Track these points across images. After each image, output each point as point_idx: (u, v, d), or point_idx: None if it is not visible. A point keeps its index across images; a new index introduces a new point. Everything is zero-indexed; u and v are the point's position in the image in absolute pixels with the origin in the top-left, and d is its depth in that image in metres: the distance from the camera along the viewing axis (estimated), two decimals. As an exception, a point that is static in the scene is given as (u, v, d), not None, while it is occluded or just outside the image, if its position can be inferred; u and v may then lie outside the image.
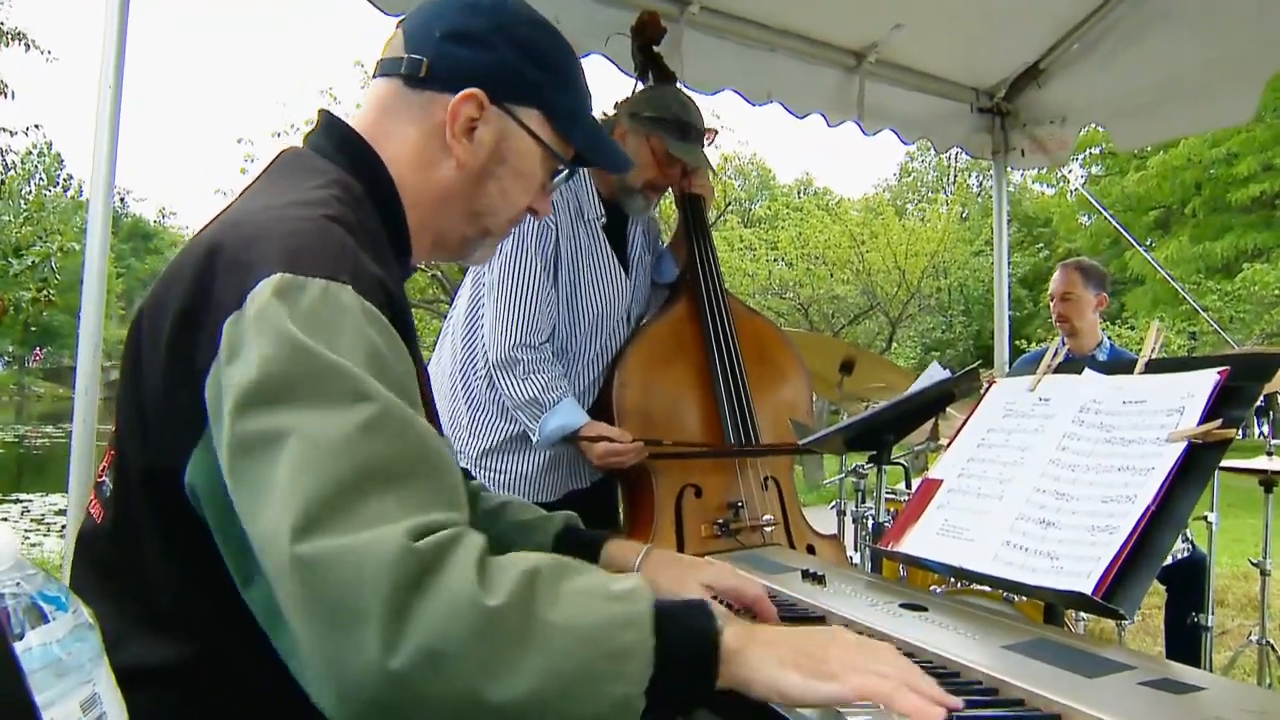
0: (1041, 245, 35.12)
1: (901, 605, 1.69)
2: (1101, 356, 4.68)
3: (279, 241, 1.19)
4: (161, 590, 1.26)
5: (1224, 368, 1.57)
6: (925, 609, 1.67)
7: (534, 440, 3.06)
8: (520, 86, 1.49)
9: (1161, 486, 1.50)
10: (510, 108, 1.49)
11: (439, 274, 15.51)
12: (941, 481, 1.93)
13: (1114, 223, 6.54)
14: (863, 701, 1.13)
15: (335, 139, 1.49)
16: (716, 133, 3.53)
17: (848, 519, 4.82)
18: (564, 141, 1.57)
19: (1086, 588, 1.45)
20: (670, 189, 3.42)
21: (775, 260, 22.51)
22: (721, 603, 1.61)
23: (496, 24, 1.48)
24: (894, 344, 23.28)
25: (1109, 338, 4.93)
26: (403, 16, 1.56)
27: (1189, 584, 4.01)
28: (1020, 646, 1.41)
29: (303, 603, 1.00)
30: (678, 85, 3.51)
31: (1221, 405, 1.55)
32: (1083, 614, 3.79)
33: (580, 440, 3.04)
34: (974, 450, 1.93)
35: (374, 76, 1.53)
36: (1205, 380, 1.58)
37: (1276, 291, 23.08)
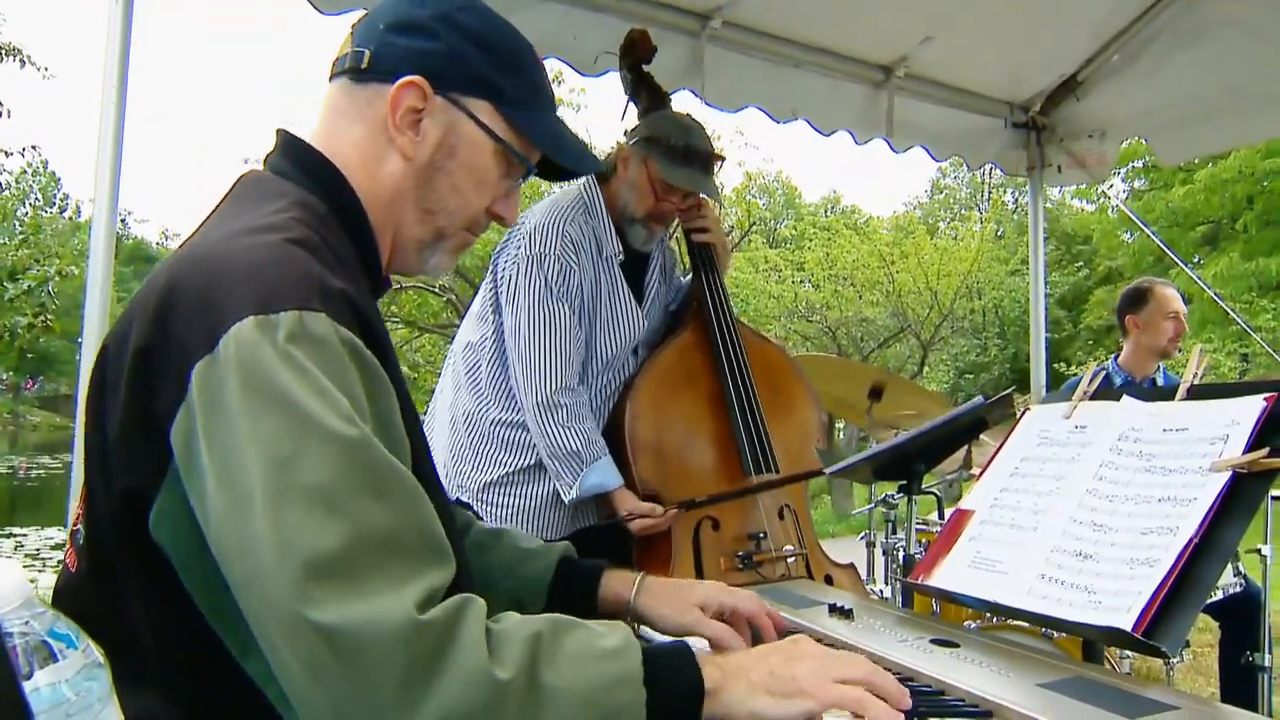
0: (1081, 264, 34.67)
1: (932, 641, 1.62)
2: (1161, 380, 4.54)
3: (245, 278, 1.16)
4: (144, 642, 1.22)
5: (1271, 394, 1.47)
6: (957, 645, 1.60)
7: (567, 496, 2.98)
8: (466, 75, 1.44)
9: (1205, 518, 1.41)
10: (456, 98, 1.44)
11: (453, 298, 15.47)
12: (974, 512, 1.85)
13: (1155, 239, 6.40)
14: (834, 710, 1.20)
15: (293, 158, 1.45)
16: (724, 159, 3.44)
17: (877, 550, 4.70)
18: (519, 135, 1.49)
19: (1127, 624, 1.36)
20: (685, 237, 3.35)
21: (802, 282, 22.27)
22: (722, 617, 1.63)
23: (440, 12, 1.44)
24: (926, 368, 22.94)
25: (1162, 364, 4.79)
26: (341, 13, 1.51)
27: (1244, 621, 3.84)
28: (1058, 685, 1.35)
29: (315, 668, 1.01)
30: (675, 107, 3.42)
31: (1269, 433, 1.45)
32: (1128, 652, 3.66)
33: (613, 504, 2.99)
34: (1007, 480, 1.84)
35: (329, 80, 1.49)
36: (1251, 407, 1.49)
37: (1337, 311, 22.47)
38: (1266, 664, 3.58)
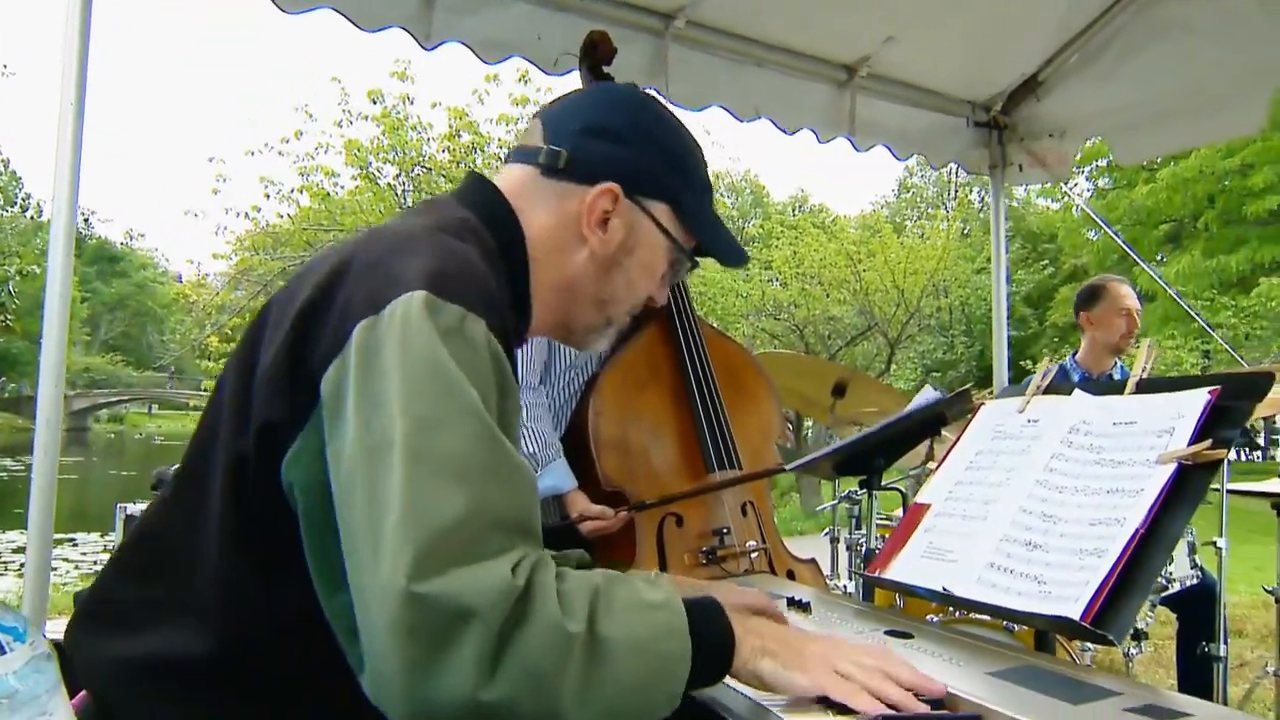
0: (1046, 262, 34.99)
1: (887, 632, 1.64)
2: (1118, 375, 4.59)
3: (426, 260, 1.25)
4: (202, 570, 1.30)
5: (1215, 387, 1.51)
6: (911, 635, 1.62)
7: None
8: (652, 182, 1.55)
9: (1151, 509, 1.43)
10: (642, 201, 1.54)
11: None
12: (929, 506, 1.87)
13: (1117, 238, 6.47)
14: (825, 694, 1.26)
15: (481, 196, 1.54)
16: None
17: (841, 546, 4.72)
18: (688, 234, 1.60)
19: (1074, 613, 1.39)
20: None
21: (769, 280, 22.31)
22: None
23: (634, 122, 1.55)
24: (893, 365, 23.07)
25: (1120, 360, 4.83)
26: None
27: (1200, 612, 3.90)
28: (1006, 673, 1.38)
29: (403, 630, 1.04)
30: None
31: (1213, 425, 1.48)
32: (1089, 644, 3.71)
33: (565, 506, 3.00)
34: (962, 473, 1.87)
35: (507, 161, 1.59)
36: (1196, 400, 1.51)
37: (1295, 308, 22.71)
38: (1222, 654, 3.63)
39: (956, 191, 40.99)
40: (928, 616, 3.21)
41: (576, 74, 3.65)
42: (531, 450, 2.93)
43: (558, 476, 2.95)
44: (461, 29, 3.71)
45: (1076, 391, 1.77)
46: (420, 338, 1.16)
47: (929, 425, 2.57)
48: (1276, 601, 4.06)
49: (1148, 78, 4.45)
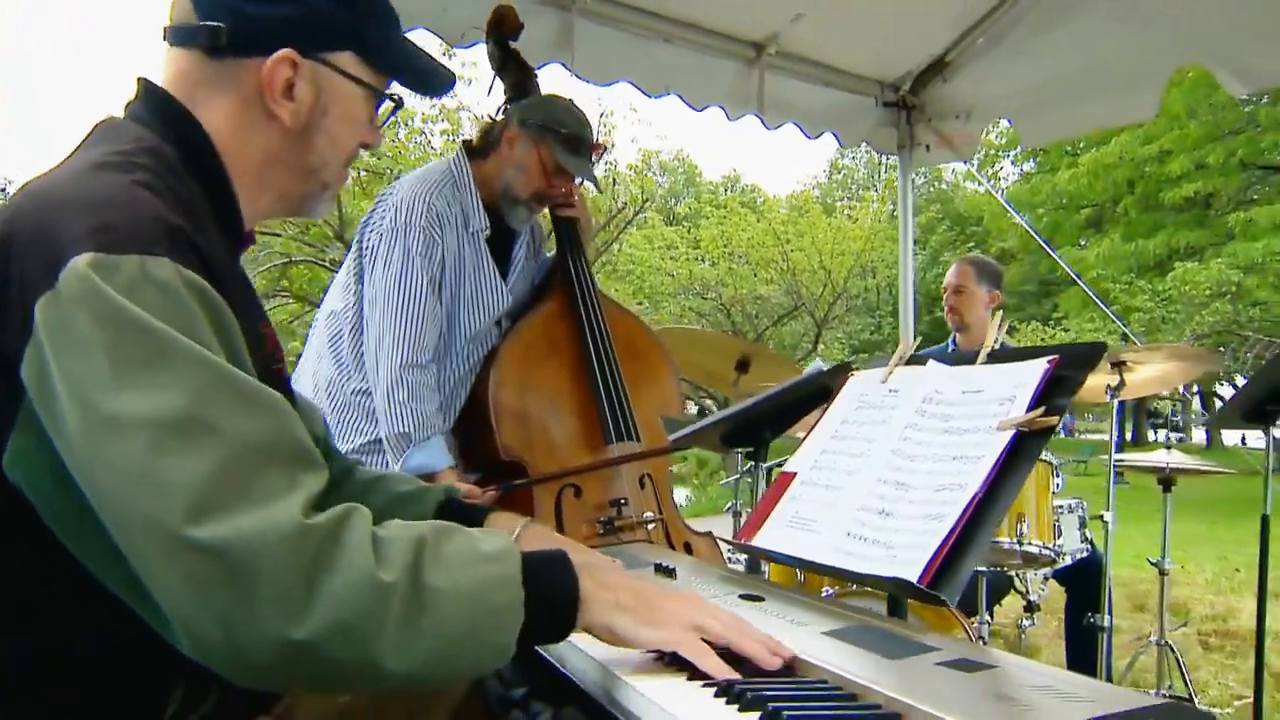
0: (974, 244, 35.46)
1: (740, 596, 1.67)
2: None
3: (85, 214, 1.15)
4: None
5: (1053, 357, 1.55)
6: (762, 599, 1.65)
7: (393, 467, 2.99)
8: (329, 32, 1.46)
9: (989, 474, 1.48)
10: (323, 57, 1.45)
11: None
12: (795, 474, 1.90)
13: (1026, 226, 6.60)
14: (677, 651, 1.27)
15: (152, 106, 1.43)
16: (605, 149, 3.48)
17: (742, 519, 4.75)
18: (380, 75, 1.53)
19: (912, 575, 1.43)
20: (550, 212, 3.38)
21: (698, 259, 22.37)
22: None
23: None
24: (820, 345, 23.31)
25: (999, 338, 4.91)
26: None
27: (1087, 585, 4.02)
28: (840, 632, 1.41)
29: (199, 584, 1.03)
30: (544, 80, 3.43)
31: (1050, 393, 1.53)
32: (986, 618, 3.81)
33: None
34: (827, 442, 1.91)
35: (166, 43, 1.45)
36: (1036, 369, 1.56)
37: (1208, 291, 23.08)
38: (1105, 625, 3.75)
39: (885, 173, 41.35)
40: (824, 589, 3.29)
41: (483, 48, 3.67)
42: (405, 429, 2.91)
43: (430, 454, 2.93)
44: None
45: (931, 362, 1.81)
46: (105, 303, 1.09)
47: (814, 398, 2.60)
48: (1160, 574, 4.18)
49: (1052, 60, 4.54)
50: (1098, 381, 3.83)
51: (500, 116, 3.27)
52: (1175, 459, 4.05)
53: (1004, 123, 5.73)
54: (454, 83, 1.69)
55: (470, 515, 1.78)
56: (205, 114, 1.42)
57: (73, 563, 1.17)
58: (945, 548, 1.44)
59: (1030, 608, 4.11)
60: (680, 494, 27.58)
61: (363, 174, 14.18)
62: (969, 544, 1.44)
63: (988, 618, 3.93)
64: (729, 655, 1.28)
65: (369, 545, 1.12)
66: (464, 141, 3.28)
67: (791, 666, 1.28)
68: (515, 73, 3.36)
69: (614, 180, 16.79)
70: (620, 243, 19.26)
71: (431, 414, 2.94)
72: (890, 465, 1.68)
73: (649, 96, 4.38)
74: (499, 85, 3.38)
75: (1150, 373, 3.91)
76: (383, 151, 14.13)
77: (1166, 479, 4.08)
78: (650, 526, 3.16)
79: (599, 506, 3.12)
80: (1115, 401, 3.78)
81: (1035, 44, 4.56)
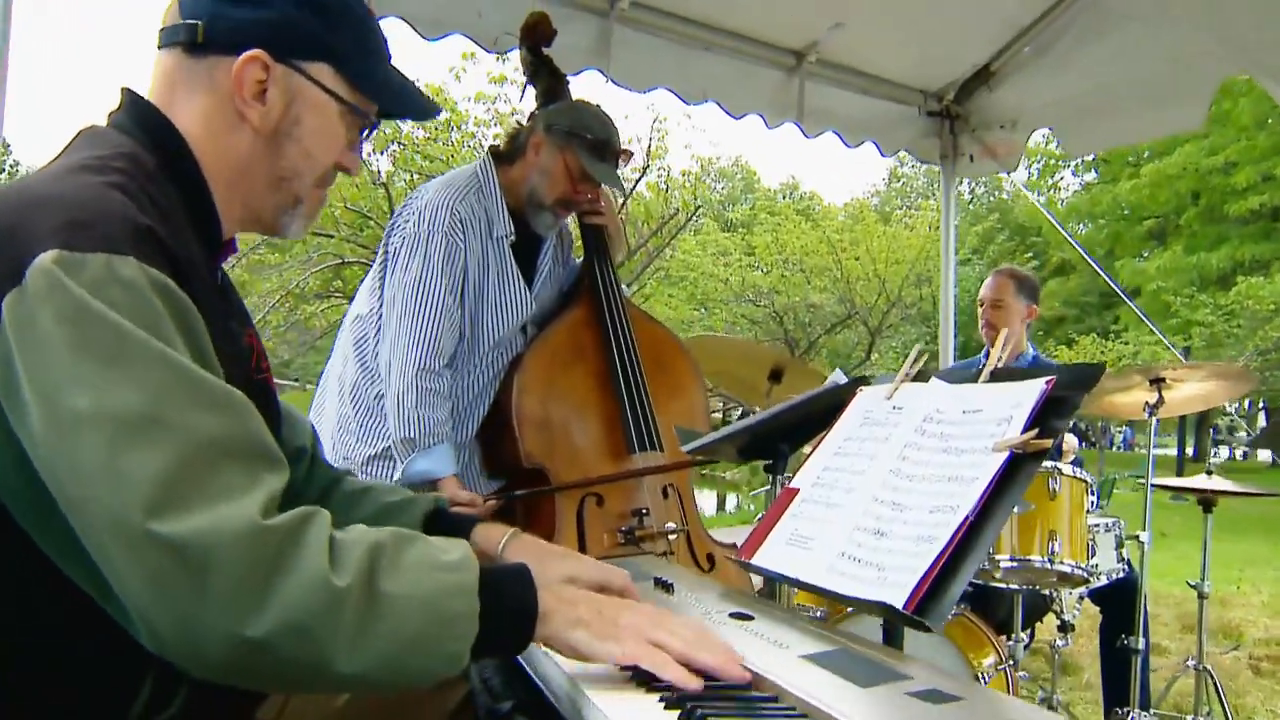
0: (1033, 255, 35.03)
1: (730, 615, 1.64)
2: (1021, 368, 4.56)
3: (55, 212, 1.17)
4: None
5: (1051, 378, 1.52)
6: (752, 618, 1.62)
7: (396, 474, 3.01)
8: (303, 40, 1.45)
9: (982, 496, 1.44)
10: (297, 64, 1.45)
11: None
12: (798, 490, 1.87)
13: (1073, 242, 6.51)
14: (636, 664, 1.28)
15: (134, 114, 1.44)
16: (631, 155, 3.47)
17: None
18: (360, 93, 1.52)
19: (898, 600, 1.39)
20: (578, 217, 3.38)
21: (752, 267, 22.27)
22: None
23: None
24: (874, 354, 23.13)
25: (1035, 349, 4.78)
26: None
27: (1123, 605, 3.93)
28: (818, 656, 1.39)
29: (158, 578, 1.06)
30: (581, 86, 3.44)
31: (1046, 414, 1.49)
32: (1022, 637, 3.75)
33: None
34: (830, 459, 1.87)
35: (158, 49, 1.47)
36: (1033, 390, 1.53)
37: (1272, 306, 22.59)
38: (1139, 647, 3.66)
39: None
40: (818, 610, 3.27)
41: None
42: (411, 434, 2.91)
43: (434, 461, 2.94)
44: (401, 5, 3.71)
45: (933, 379, 1.78)
46: (68, 300, 1.10)
47: (831, 410, 2.57)
48: (1199, 596, 4.08)
49: (1097, 70, 4.48)
50: (1136, 399, 3.75)
51: (527, 122, 3.27)
52: (1215, 482, 3.95)
53: (1042, 133, 5.62)
54: (437, 113, 1.69)
55: (457, 526, 1.77)
56: (182, 113, 1.43)
57: (38, 554, 1.19)
58: (933, 572, 1.40)
59: (1064, 628, 4.02)
60: (731, 500, 27.52)
61: (415, 176, 14.32)
62: (958, 568, 1.40)
63: (1024, 636, 3.87)
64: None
65: (325, 548, 1.13)
66: (491, 147, 3.28)
67: (752, 684, 1.28)
68: (547, 79, 3.36)
69: (667, 186, 16.81)
70: (673, 248, 19.26)
71: (439, 422, 2.94)
72: (888, 485, 1.65)
73: (687, 103, 4.38)
74: (531, 92, 3.39)
75: (1192, 390, 3.83)
76: (435, 155, 14.26)
77: (1207, 500, 3.98)
78: (672, 537, 3.14)
79: (621, 516, 3.11)
80: (1153, 419, 3.70)
81: (1082, 53, 4.50)
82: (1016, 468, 1.46)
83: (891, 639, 1.67)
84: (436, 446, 2.93)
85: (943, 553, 1.41)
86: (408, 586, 1.17)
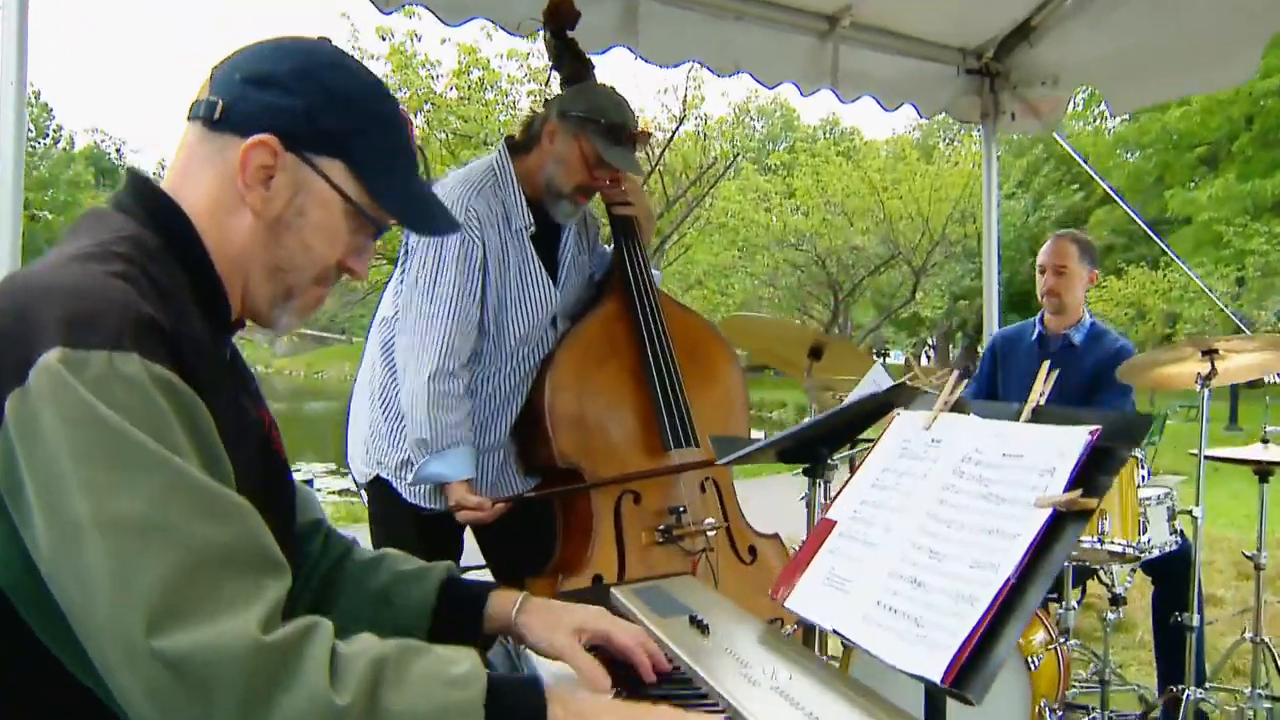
0: (1079, 185, 34.36)
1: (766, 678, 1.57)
2: (1078, 337, 4.43)
3: (57, 307, 1.16)
4: None
5: (1095, 428, 1.44)
6: (790, 677, 1.55)
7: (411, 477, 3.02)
8: (320, 135, 1.41)
9: (1024, 557, 1.38)
10: (308, 157, 1.40)
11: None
12: (836, 523, 1.82)
13: (1103, 183, 6.32)
14: None
15: (135, 194, 1.42)
16: (650, 135, 3.38)
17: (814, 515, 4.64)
18: (371, 197, 1.46)
19: (935, 674, 1.34)
20: (607, 207, 3.32)
21: (794, 210, 21.97)
22: (591, 649, 1.62)
23: (301, 68, 1.40)
24: (919, 293, 22.86)
25: (1090, 314, 4.63)
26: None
27: (1176, 579, 3.84)
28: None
29: (158, 695, 1.04)
30: (610, 64, 3.36)
31: (1092, 467, 1.42)
32: (1073, 603, 3.68)
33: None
34: (868, 491, 1.81)
35: (186, 119, 1.45)
36: (1077, 440, 1.45)
37: (1331, 234, 22.09)
38: (1194, 624, 3.58)
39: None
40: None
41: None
42: (424, 435, 2.90)
43: (447, 464, 2.93)
44: (422, -12, 3.63)
45: (973, 415, 1.71)
46: (71, 400, 1.09)
47: (875, 414, 2.51)
48: (1256, 568, 3.99)
49: (1141, 24, 4.34)
50: (1188, 369, 3.65)
51: (543, 109, 3.21)
52: (1272, 452, 3.84)
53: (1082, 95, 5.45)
54: (455, 229, 1.65)
55: (473, 595, 1.75)
56: (193, 188, 1.41)
57: (42, 648, 1.18)
58: (974, 638, 1.35)
59: (1116, 600, 3.95)
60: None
61: (450, 136, 14.25)
62: (1000, 632, 1.35)
63: (1074, 604, 3.81)
64: None
65: (326, 664, 1.11)
66: (506, 137, 3.22)
67: None
68: (571, 64, 3.29)
69: (704, 135, 16.63)
70: (713, 196, 19.09)
71: (453, 424, 2.92)
72: (926, 530, 1.59)
73: (718, 76, 4.28)
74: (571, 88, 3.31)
75: (1245, 360, 3.71)
76: (469, 115, 14.16)
77: (1264, 470, 3.88)
78: (711, 534, 3.11)
79: (658, 513, 3.09)
80: (1205, 391, 3.59)
81: (1124, 7, 4.36)
82: (1060, 525, 1.40)
83: (933, 711, 1.61)
84: (452, 449, 2.92)
85: (984, 617, 1.36)
86: (410, 704, 1.14)
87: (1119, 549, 3.46)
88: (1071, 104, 5.62)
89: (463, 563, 3.29)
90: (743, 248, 20.82)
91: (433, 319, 2.91)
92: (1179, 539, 3.80)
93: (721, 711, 1.45)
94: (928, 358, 40.42)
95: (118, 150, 57.50)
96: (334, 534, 1.80)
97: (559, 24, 3.31)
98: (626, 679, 1.61)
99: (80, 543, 1.06)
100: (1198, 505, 3.59)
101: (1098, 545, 3.38)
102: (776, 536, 3.38)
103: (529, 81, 14.79)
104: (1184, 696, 3.56)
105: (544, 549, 3.16)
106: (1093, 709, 3.97)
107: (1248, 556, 4.02)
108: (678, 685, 1.62)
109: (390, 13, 3.75)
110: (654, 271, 3.39)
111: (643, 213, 3.36)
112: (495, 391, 3.12)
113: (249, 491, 1.22)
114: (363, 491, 3.26)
